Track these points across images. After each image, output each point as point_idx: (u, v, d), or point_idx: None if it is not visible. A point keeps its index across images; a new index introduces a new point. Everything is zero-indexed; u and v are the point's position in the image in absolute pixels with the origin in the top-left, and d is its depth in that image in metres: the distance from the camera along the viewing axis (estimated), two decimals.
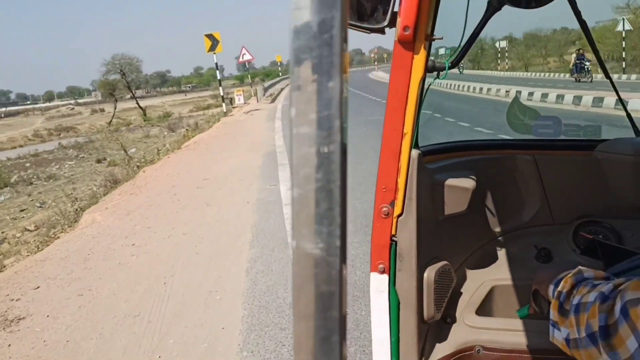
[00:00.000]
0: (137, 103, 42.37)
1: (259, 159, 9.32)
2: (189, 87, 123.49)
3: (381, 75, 49.62)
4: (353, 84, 35.27)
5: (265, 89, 33.09)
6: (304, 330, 0.36)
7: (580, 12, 1.31)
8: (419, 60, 1.08)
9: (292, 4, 0.35)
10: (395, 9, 1.04)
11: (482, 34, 1.15)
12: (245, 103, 26.87)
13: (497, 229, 1.53)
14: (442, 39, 1.13)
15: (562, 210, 1.53)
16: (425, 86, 1.18)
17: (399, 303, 1.19)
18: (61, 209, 7.54)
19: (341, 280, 0.40)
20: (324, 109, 0.37)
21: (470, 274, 1.44)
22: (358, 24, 1.07)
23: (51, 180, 14.22)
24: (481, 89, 21.00)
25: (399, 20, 1.04)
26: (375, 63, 69.31)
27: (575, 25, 1.34)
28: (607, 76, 1.50)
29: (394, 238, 1.17)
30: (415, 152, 1.14)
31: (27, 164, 18.70)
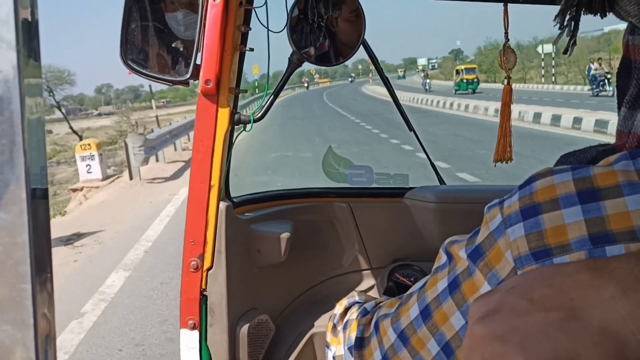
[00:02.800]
0: (70, 127, 35.41)
1: None
2: (163, 102, 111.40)
3: (378, 90, 39.91)
4: (344, 102, 32.05)
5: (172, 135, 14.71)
6: None
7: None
8: (224, 113, 1.08)
9: None
10: (198, 62, 1.04)
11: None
12: (102, 179, 11.04)
13: (318, 276, 1.57)
14: (247, 92, 1.15)
15: (378, 254, 1.61)
16: (234, 137, 1.19)
17: (210, 359, 1.16)
18: None
19: None
20: (5, 190, 0.34)
21: (291, 322, 1.45)
22: (159, 76, 1.05)
23: None
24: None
25: (201, 73, 1.04)
26: (371, 75, 63.63)
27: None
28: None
29: (204, 292, 1.14)
30: (223, 205, 1.13)
31: None
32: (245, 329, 1.20)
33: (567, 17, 0.56)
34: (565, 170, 0.48)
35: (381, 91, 32.45)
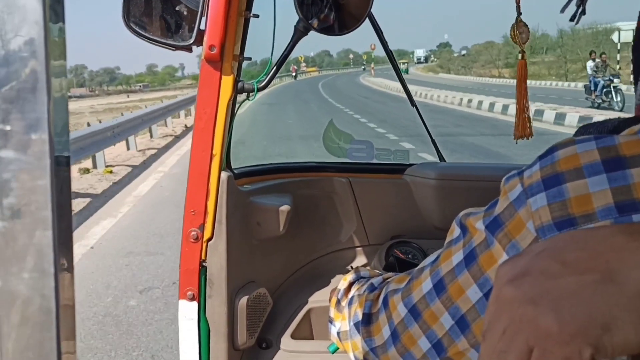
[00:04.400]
0: None
1: None
2: (140, 86, 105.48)
3: (380, 82, 33.62)
4: (356, 103, 21.39)
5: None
6: None
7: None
8: (227, 80, 1.06)
9: None
10: (202, 27, 1.01)
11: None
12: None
13: (316, 251, 1.56)
14: (251, 59, 1.13)
15: (376, 231, 1.60)
16: (236, 107, 1.16)
17: (209, 331, 1.15)
18: None
19: (58, 324, 0.35)
20: (28, 130, 0.32)
21: (288, 297, 1.45)
22: (162, 40, 1.02)
23: None
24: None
25: (205, 38, 1.01)
26: (372, 66, 56.70)
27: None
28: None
29: (203, 263, 1.13)
30: (225, 174, 1.11)
31: None
32: (244, 301, 1.19)
33: None
34: (589, 140, 0.47)
35: (395, 86, 26.26)
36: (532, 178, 0.49)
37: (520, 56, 1.18)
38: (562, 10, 0.61)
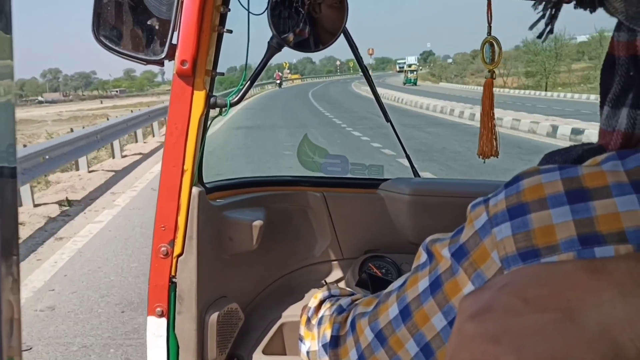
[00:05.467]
0: None
1: None
2: (116, 91, 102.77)
3: (386, 93, 27.60)
4: (341, 111, 20.15)
5: None
6: None
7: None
8: (199, 95, 1.05)
9: None
10: (174, 42, 1.00)
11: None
12: None
13: (289, 265, 1.55)
14: (224, 74, 1.12)
15: (351, 245, 1.60)
16: (209, 122, 1.16)
17: (178, 347, 1.13)
18: None
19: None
20: None
21: (261, 311, 1.44)
22: (133, 54, 1.01)
23: None
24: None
25: (177, 53, 1.00)
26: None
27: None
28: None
29: (173, 279, 1.11)
30: (196, 190, 1.10)
31: None
32: (214, 317, 1.18)
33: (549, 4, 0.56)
34: (553, 170, 0.47)
35: (398, 96, 24.98)
36: (498, 207, 0.49)
37: (489, 75, 1.19)
38: (531, 28, 0.61)
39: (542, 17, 0.57)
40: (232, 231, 1.27)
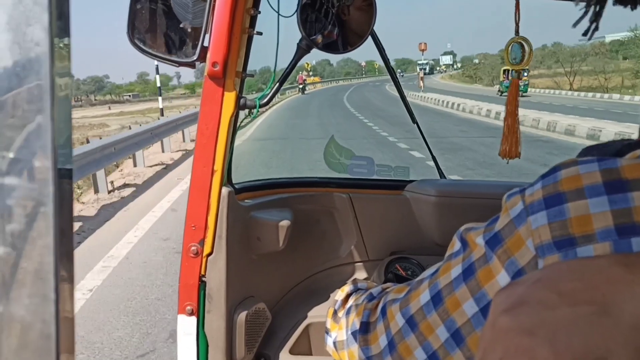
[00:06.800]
0: None
1: None
2: (129, 95, 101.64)
3: (434, 98, 24.99)
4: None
5: None
6: None
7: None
8: (230, 96, 1.07)
9: None
10: (206, 44, 1.02)
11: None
12: None
13: (315, 266, 1.56)
14: (253, 76, 1.14)
15: (376, 246, 1.60)
16: (238, 123, 1.17)
17: (207, 345, 1.15)
18: None
19: (58, 350, 0.35)
20: (29, 155, 0.33)
21: (287, 312, 1.45)
22: (166, 56, 1.03)
23: None
24: None
25: (208, 55, 1.02)
26: (422, 74, 39.00)
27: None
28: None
29: (203, 278, 1.13)
30: (225, 190, 1.12)
31: None
32: (242, 316, 1.19)
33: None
34: (591, 161, 0.47)
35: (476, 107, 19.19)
36: (534, 196, 0.49)
37: (516, 75, 1.18)
38: (575, 25, 0.61)
39: (585, 14, 0.57)
40: (260, 231, 1.28)
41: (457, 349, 0.57)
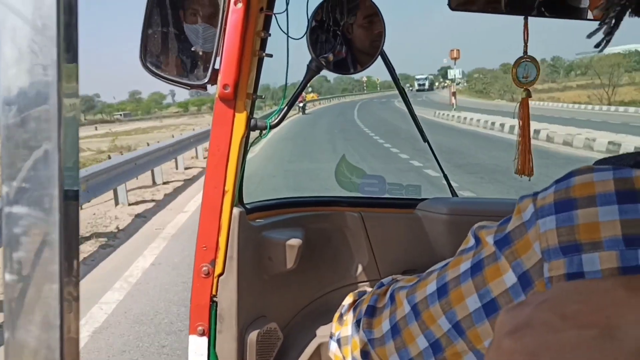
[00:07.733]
0: None
1: None
2: (121, 114, 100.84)
3: (467, 118, 19.67)
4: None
5: None
6: None
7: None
8: (240, 118, 1.08)
9: None
10: (217, 67, 1.04)
11: None
12: None
13: (327, 285, 1.55)
14: (263, 97, 1.15)
15: (388, 265, 1.59)
16: (249, 144, 1.18)
17: None
18: None
19: None
20: (38, 187, 0.33)
21: (299, 331, 1.44)
22: (178, 79, 1.05)
23: None
24: None
25: (219, 77, 1.04)
26: (453, 89, 34.12)
27: None
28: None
29: (214, 298, 1.13)
30: (236, 210, 1.12)
31: None
32: (254, 336, 1.19)
33: (611, 14, 0.55)
34: (607, 170, 0.47)
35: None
36: (545, 200, 0.50)
37: (525, 94, 1.19)
38: (590, 36, 0.61)
39: (600, 26, 0.57)
40: (271, 251, 1.28)
41: (459, 339, 0.58)
